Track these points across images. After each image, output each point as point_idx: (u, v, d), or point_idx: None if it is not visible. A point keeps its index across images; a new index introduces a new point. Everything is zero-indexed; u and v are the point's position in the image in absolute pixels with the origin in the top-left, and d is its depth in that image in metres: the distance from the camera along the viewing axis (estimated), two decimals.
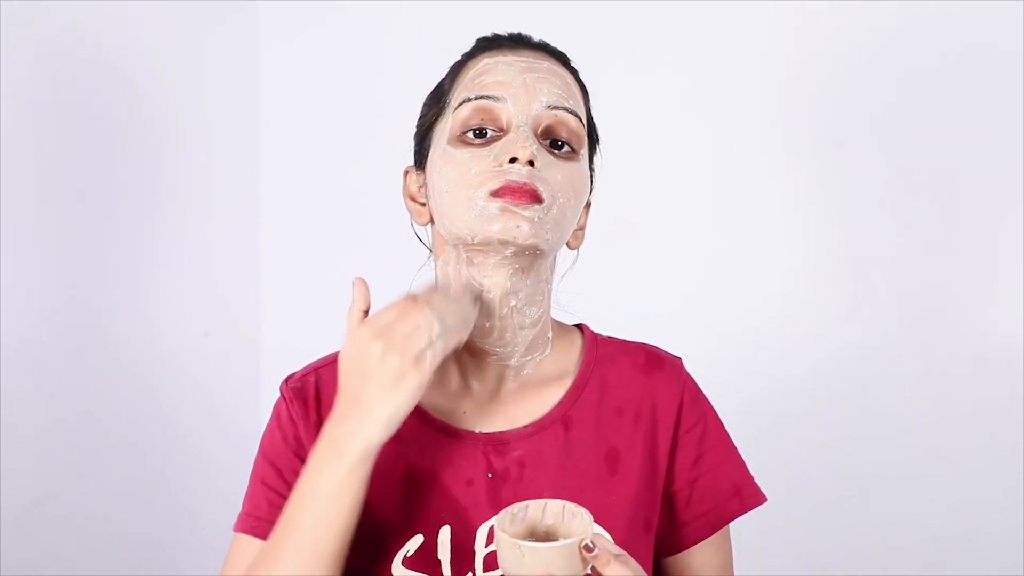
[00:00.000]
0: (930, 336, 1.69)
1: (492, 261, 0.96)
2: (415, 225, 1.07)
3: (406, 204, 1.07)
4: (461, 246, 0.97)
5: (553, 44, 1.06)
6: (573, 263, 1.09)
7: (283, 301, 2.07)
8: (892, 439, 1.70)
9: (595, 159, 1.08)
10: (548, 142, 0.99)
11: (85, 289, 1.75)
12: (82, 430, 1.73)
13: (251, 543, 0.98)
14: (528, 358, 1.03)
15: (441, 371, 0.94)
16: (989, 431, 1.64)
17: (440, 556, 0.96)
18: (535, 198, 0.94)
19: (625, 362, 1.06)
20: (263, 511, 0.99)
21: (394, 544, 0.97)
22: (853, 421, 1.72)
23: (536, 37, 1.05)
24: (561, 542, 0.82)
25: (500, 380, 1.03)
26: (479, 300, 0.97)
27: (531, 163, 0.94)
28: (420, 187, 1.05)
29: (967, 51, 1.66)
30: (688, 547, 1.05)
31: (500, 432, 1.01)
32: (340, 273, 2.01)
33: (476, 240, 0.95)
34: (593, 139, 1.07)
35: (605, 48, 1.74)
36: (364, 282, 0.95)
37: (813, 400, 1.73)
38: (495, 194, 0.94)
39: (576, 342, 1.08)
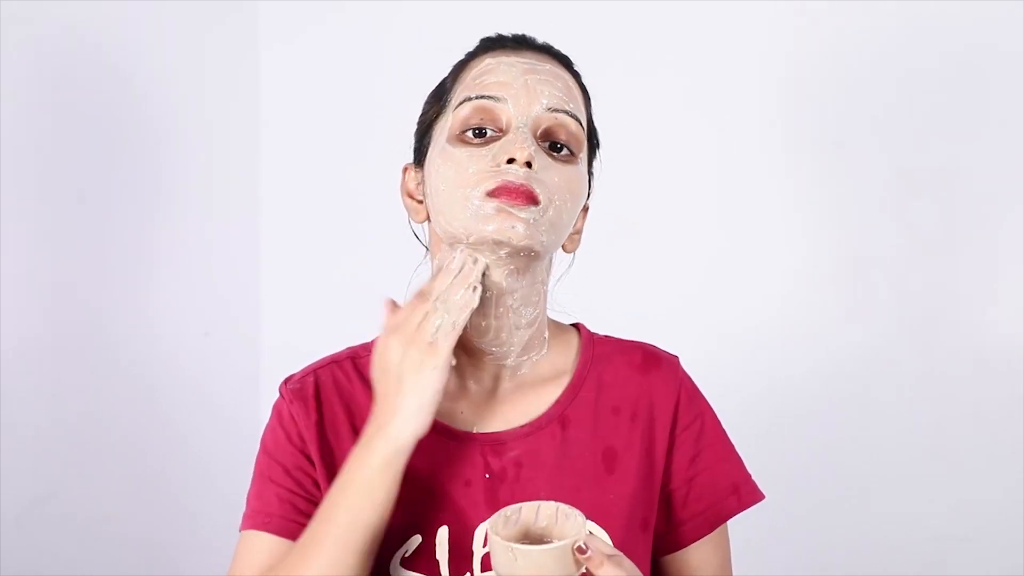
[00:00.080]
0: (930, 336, 1.68)
1: (487, 261, 0.96)
2: (412, 223, 1.07)
3: (403, 201, 1.07)
4: (456, 245, 0.97)
5: (556, 46, 1.06)
6: (569, 266, 1.09)
7: (283, 301, 2.07)
8: (892, 439, 1.70)
9: (595, 164, 1.08)
10: (547, 144, 0.99)
11: (85, 289, 1.75)
12: (82, 430, 1.73)
13: (263, 539, 0.98)
14: (524, 358, 1.03)
15: None
16: (989, 431, 1.64)
17: (438, 556, 0.96)
18: (531, 199, 0.94)
19: (621, 361, 1.06)
20: (274, 507, 0.99)
21: (392, 544, 0.97)
22: (853, 421, 1.72)
23: (539, 39, 1.05)
24: (554, 544, 0.82)
25: (497, 380, 1.03)
26: (480, 263, 0.96)
27: (529, 164, 0.95)
28: (418, 184, 1.05)
29: (967, 51, 1.66)
30: (686, 545, 1.05)
31: (497, 432, 1.01)
32: (340, 273, 2.04)
33: (471, 239, 0.95)
34: (593, 144, 1.07)
35: (605, 48, 1.74)
36: (392, 302, 0.99)
37: (813, 400, 1.73)
38: (491, 194, 0.94)
39: (572, 341, 1.08)
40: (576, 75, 1.05)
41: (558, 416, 1.02)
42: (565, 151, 0.99)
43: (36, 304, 1.68)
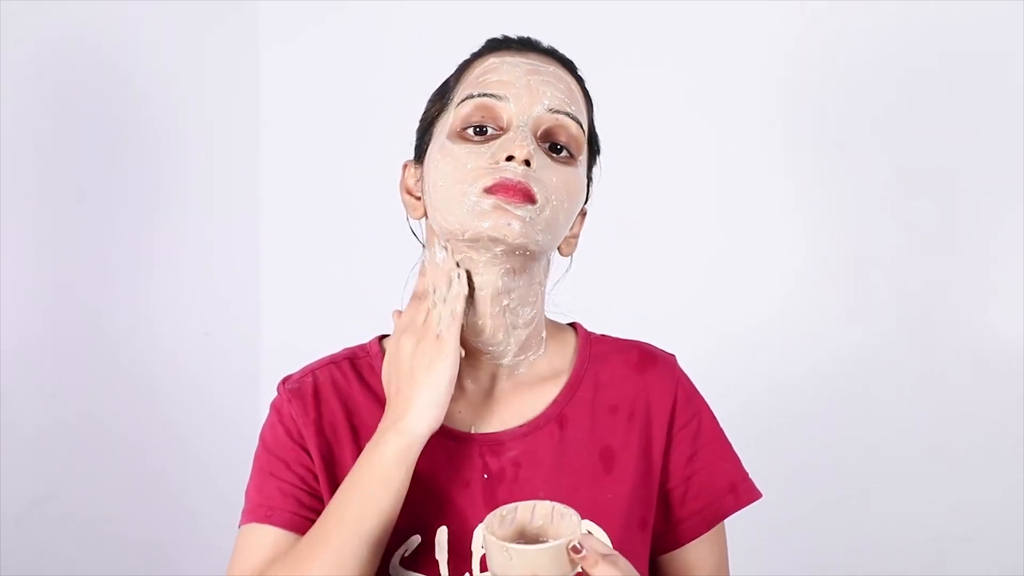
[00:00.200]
0: (930, 336, 1.68)
1: (483, 258, 0.97)
2: (409, 219, 1.08)
3: (402, 197, 1.07)
4: (452, 241, 0.98)
5: (559, 49, 1.06)
6: (567, 270, 1.09)
7: (283, 301, 2.07)
8: (892, 439, 1.70)
9: (594, 169, 1.08)
10: (547, 145, 0.99)
11: (85, 289, 1.75)
12: (82, 430, 1.73)
13: (265, 532, 0.98)
14: (522, 357, 1.03)
15: None
16: (989, 431, 1.64)
17: (437, 556, 0.97)
18: (528, 197, 0.94)
19: (619, 360, 1.06)
20: (276, 500, 0.99)
21: (392, 544, 0.97)
22: (853, 421, 1.72)
23: (544, 42, 1.05)
24: (548, 544, 0.82)
25: (494, 379, 1.03)
26: (450, 251, 0.99)
27: (527, 163, 0.95)
28: (417, 181, 1.05)
29: (967, 51, 1.66)
30: (684, 544, 1.05)
31: (495, 432, 1.01)
32: (340, 273, 2.03)
33: (466, 235, 0.95)
34: (594, 148, 1.07)
35: (605, 48, 1.74)
36: (400, 312, 1.03)
37: (813, 400, 1.73)
38: (489, 191, 0.94)
39: (570, 341, 1.08)
40: (580, 80, 1.06)
41: (556, 416, 1.02)
42: (565, 153, 0.99)
43: (36, 304, 1.68)
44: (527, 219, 0.94)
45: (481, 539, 0.96)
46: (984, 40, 1.64)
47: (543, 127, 0.98)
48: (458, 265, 0.98)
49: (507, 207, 0.93)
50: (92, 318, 1.76)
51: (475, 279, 0.98)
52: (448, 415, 1.00)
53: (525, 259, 0.97)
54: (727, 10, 1.76)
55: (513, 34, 1.05)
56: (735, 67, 1.78)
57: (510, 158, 0.95)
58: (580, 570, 0.83)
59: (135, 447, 1.81)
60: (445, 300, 0.97)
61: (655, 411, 1.03)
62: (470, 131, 0.98)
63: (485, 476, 0.99)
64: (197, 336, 1.94)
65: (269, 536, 0.97)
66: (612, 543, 0.96)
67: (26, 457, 1.65)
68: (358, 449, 0.98)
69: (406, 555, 0.97)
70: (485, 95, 0.98)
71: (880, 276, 1.72)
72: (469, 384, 1.03)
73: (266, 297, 2.08)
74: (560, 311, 1.09)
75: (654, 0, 1.79)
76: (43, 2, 1.65)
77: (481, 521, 0.96)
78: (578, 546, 0.82)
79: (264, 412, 1.06)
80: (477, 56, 1.05)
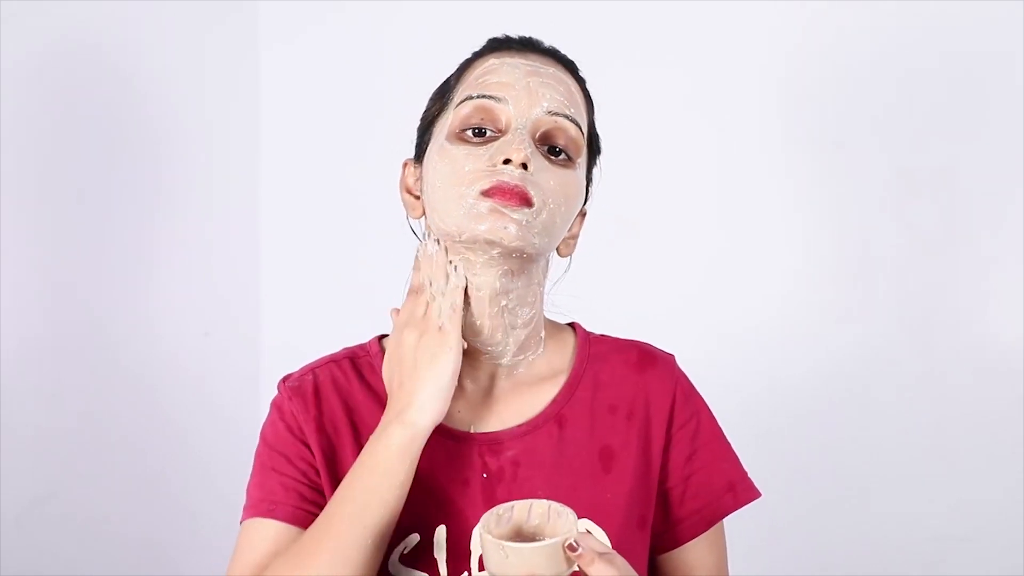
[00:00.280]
0: (930, 336, 1.69)
1: (480, 260, 0.97)
2: (409, 219, 1.08)
3: (401, 196, 1.08)
4: (449, 242, 0.98)
5: (561, 50, 1.06)
6: (566, 270, 1.09)
7: (283, 301, 2.07)
8: (892, 439, 1.70)
9: (594, 170, 1.08)
10: (546, 148, 0.99)
11: (85, 289, 1.75)
12: (82, 430, 1.73)
13: (268, 526, 0.98)
14: (520, 357, 1.03)
15: None
16: (989, 431, 1.64)
17: (436, 555, 0.97)
18: (525, 201, 0.94)
19: (618, 360, 1.06)
20: (278, 495, 0.99)
21: (392, 542, 0.96)
22: (853, 421, 1.72)
23: (545, 42, 1.05)
24: (544, 542, 0.82)
25: (493, 379, 1.03)
26: (442, 245, 1.00)
27: (524, 166, 0.95)
28: (416, 180, 1.05)
29: (967, 51, 1.66)
30: (683, 543, 1.05)
31: (494, 432, 1.01)
32: (340, 273, 2.03)
33: (463, 238, 0.95)
34: (593, 150, 1.07)
35: (605, 48, 1.74)
36: (398, 311, 1.03)
37: (813, 400, 1.73)
38: (486, 193, 0.94)
39: (569, 341, 1.08)
40: (581, 81, 1.06)
41: (555, 415, 1.02)
42: (563, 155, 1.00)
43: (36, 304, 1.68)
44: (523, 222, 0.94)
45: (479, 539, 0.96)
46: (984, 40, 1.64)
47: (541, 129, 0.98)
48: (450, 263, 0.99)
49: (503, 210, 0.93)
50: (92, 318, 1.76)
51: (473, 279, 0.98)
52: (448, 414, 1.00)
53: (522, 261, 0.97)
54: (727, 10, 1.77)
55: (514, 34, 1.05)
56: (735, 67, 1.78)
57: (507, 161, 0.95)
58: (576, 569, 0.83)
59: (135, 447, 1.82)
60: (444, 293, 0.98)
61: (654, 411, 1.03)
62: (469, 132, 0.98)
63: (484, 475, 0.99)
64: (197, 336, 1.94)
65: (271, 530, 0.97)
66: (611, 542, 0.97)
67: (26, 457, 1.65)
68: (359, 447, 0.98)
69: (405, 552, 0.97)
70: (484, 97, 0.98)
71: (880, 276, 1.72)
72: (468, 384, 1.03)
73: (266, 297, 2.08)
74: (559, 311, 1.09)
75: (654, 0, 1.79)
76: (43, 2, 1.65)
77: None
78: (574, 544, 0.82)
79: (264, 412, 1.06)
80: (478, 56, 1.05)
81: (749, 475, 1.08)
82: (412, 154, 1.08)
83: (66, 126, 1.72)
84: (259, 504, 0.99)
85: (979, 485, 1.65)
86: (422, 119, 1.07)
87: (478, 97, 0.99)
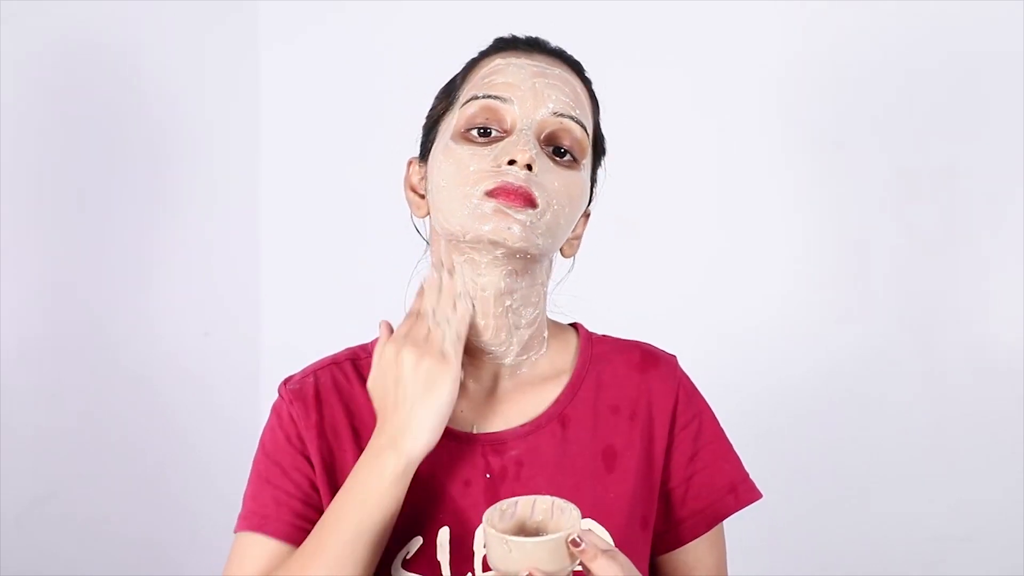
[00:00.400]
0: (930, 336, 1.69)
1: (485, 260, 0.97)
2: (413, 217, 1.08)
3: (406, 195, 1.08)
4: (453, 242, 0.98)
5: (569, 52, 1.06)
6: (569, 271, 1.09)
7: (283, 301, 2.07)
8: (892, 439, 1.70)
9: (598, 171, 1.08)
10: (550, 149, 0.99)
11: (85, 289, 1.75)
12: (82, 430, 1.73)
13: (258, 542, 0.98)
14: (524, 357, 1.03)
15: None
16: (989, 431, 1.64)
17: (439, 557, 0.96)
18: (529, 202, 0.94)
19: (620, 360, 1.06)
20: (270, 509, 0.99)
21: (394, 547, 0.96)
22: (853, 421, 1.72)
23: (552, 42, 1.05)
24: (547, 537, 0.82)
25: (496, 379, 1.03)
26: (457, 274, 0.99)
27: (529, 167, 0.95)
28: (421, 179, 1.06)
29: (967, 51, 1.66)
30: (684, 544, 1.05)
31: (497, 432, 1.01)
32: (340, 273, 2.03)
33: (467, 237, 0.95)
34: (598, 151, 1.07)
35: (605, 48, 1.73)
36: (388, 323, 1.01)
37: (813, 400, 1.73)
38: (490, 194, 0.94)
39: (571, 341, 1.08)
40: (587, 82, 1.06)
41: (558, 415, 1.02)
42: (568, 156, 1.00)
43: (36, 304, 1.68)
44: (528, 223, 0.94)
45: (483, 538, 0.96)
46: (984, 40, 1.64)
47: (547, 130, 0.99)
48: (451, 274, 0.99)
49: (508, 211, 0.93)
50: (92, 318, 1.76)
51: (478, 279, 0.98)
52: (451, 415, 1.00)
53: (526, 261, 0.97)
54: (727, 10, 1.77)
55: (521, 34, 1.05)
56: (735, 67, 1.78)
57: (512, 162, 0.95)
58: (579, 565, 0.83)
59: (135, 447, 1.82)
60: (450, 321, 0.96)
61: (657, 411, 1.03)
62: (474, 132, 0.98)
63: (487, 476, 0.99)
64: (197, 336, 1.94)
65: (262, 547, 0.97)
66: (614, 542, 0.96)
67: (26, 457, 1.65)
68: (359, 450, 0.97)
69: (408, 557, 0.97)
70: (490, 97, 0.99)
71: (880, 276, 1.72)
72: (471, 384, 1.02)
73: (266, 297, 2.08)
74: (560, 311, 1.09)
75: (654, 0, 1.79)
76: (43, 2, 1.65)
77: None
78: (577, 539, 0.82)
79: (264, 412, 1.05)
80: (484, 55, 1.05)
81: (751, 476, 1.08)
82: (413, 153, 1.08)
83: (66, 126, 1.72)
84: (251, 517, 0.99)
85: (979, 485, 1.65)
86: (427, 117, 1.07)
87: (484, 97, 0.99)
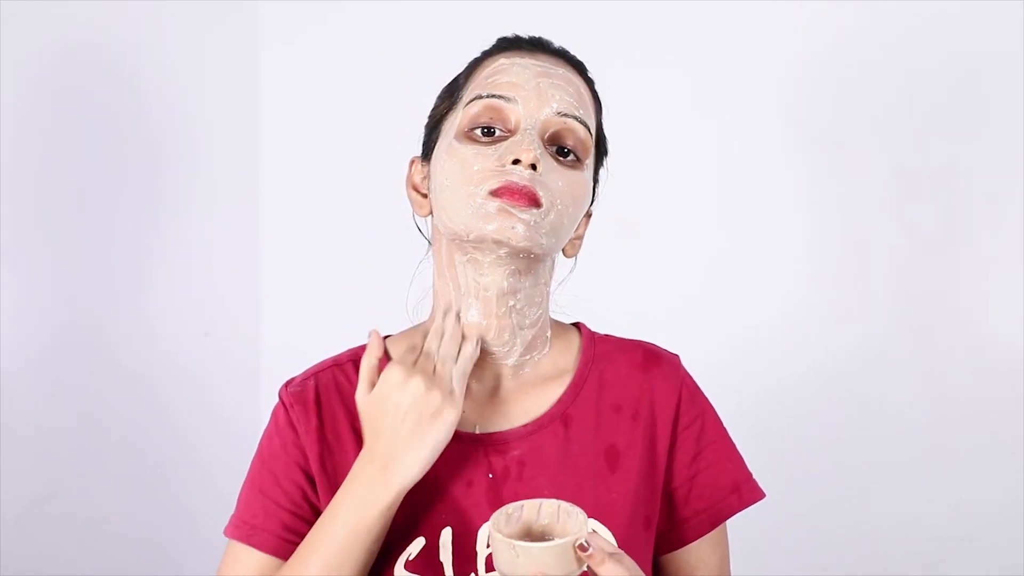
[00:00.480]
0: (930, 336, 1.69)
1: (488, 259, 0.97)
2: (415, 217, 1.07)
3: (408, 194, 1.07)
4: (456, 241, 0.98)
5: (571, 52, 1.06)
6: (571, 271, 1.09)
7: (283, 301, 2.07)
8: (892, 439, 1.70)
9: (601, 171, 1.08)
10: (554, 148, 0.99)
11: (85, 289, 1.75)
12: (82, 430, 1.73)
13: (247, 553, 0.99)
14: (527, 357, 1.03)
15: None
16: (989, 431, 1.64)
17: (442, 558, 0.96)
18: (533, 201, 0.94)
19: (623, 360, 1.06)
20: (259, 519, 0.99)
21: (396, 548, 0.97)
22: (853, 421, 1.72)
23: (556, 42, 1.05)
24: (555, 542, 0.82)
25: (499, 379, 1.03)
26: (452, 312, 0.99)
27: (533, 167, 0.95)
28: (424, 178, 1.05)
29: (967, 51, 1.66)
30: (687, 544, 1.05)
31: (500, 432, 1.01)
32: (340, 273, 2.03)
33: (471, 237, 0.95)
34: (601, 151, 1.07)
35: (605, 48, 1.73)
36: (378, 333, 0.99)
37: (813, 400, 1.73)
38: (494, 193, 0.94)
39: (574, 340, 1.08)
40: (590, 82, 1.06)
41: (560, 415, 1.02)
42: (571, 156, 1.00)
43: (36, 304, 1.68)
44: (531, 223, 0.94)
45: (486, 539, 0.96)
46: (984, 40, 1.64)
47: (551, 130, 0.99)
48: (457, 318, 0.99)
49: (512, 210, 0.94)
50: (92, 318, 1.76)
51: (481, 279, 0.98)
52: None
53: (529, 261, 0.98)
54: (727, 10, 1.77)
55: (524, 33, 1.05)
56: (735, 67, 1.78)
57: (516, 161, 0.95)
58: (586, 568, 0.83)
59: (135, 447, 1.81)
60: (456, 360, 0.96)
61: (659, 410, 1.03)
62: (478, 132, 0.99)
63: (490, 476, 0.99)
64: (197, 336, 1.94)
65: (250, 558, 0.98)
66: (617, 542, 0.96)
67: (26, 457, 1.65)
68: (359, 451, 0.97)
69: (410, 558, 0.97)
70: (494, 96, 0.99)
71: (880, 276, 1.72)
72: (474, 384, 1.02)
73: (266, 297, 2.08)
74: (562, 311, 1.09)
75: (654, 0, 1.79)
76: (43, 2, 1.65)
77: (486, 521, 0.96)
78: (585, 544, 0.82)
79: (264, 412, 1.05)
80: (487, 55, 1.05)
81: (754, 476, 1.08)
82: (413, 153, 1.08)
83: (66, 126, 1.72)
84: (241, 526, 1.00)
85: (979, 485, 1.65)
86: (430, 117, 1.07)
87: (488, 96, 0.99)
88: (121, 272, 1.81)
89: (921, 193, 1.69)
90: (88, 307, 1.75)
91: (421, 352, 0.97)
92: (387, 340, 1.06)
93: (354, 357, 1.06)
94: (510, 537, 0.83)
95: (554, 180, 0.96)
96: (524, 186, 0.94)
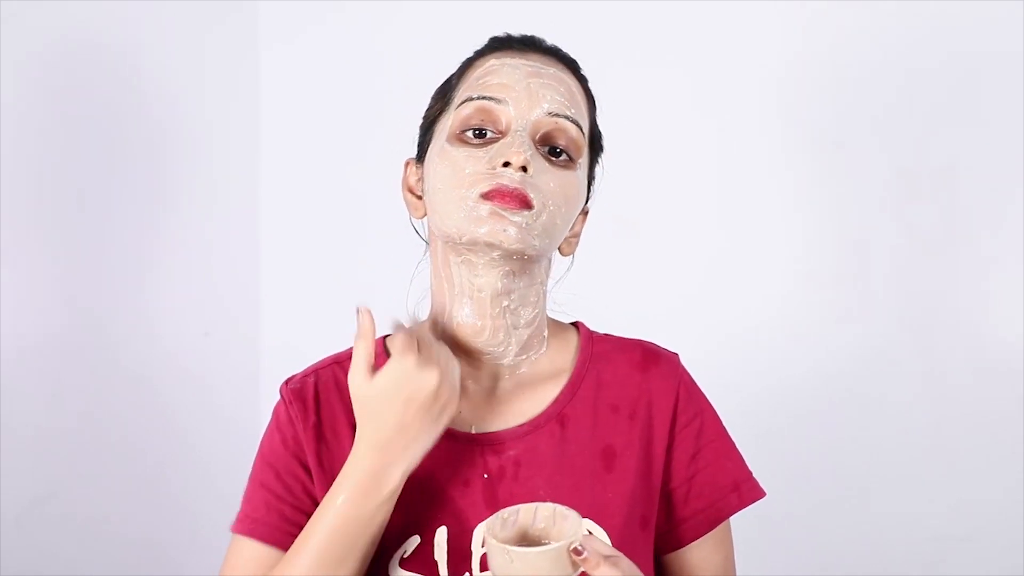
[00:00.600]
0: (930, 336, 1.68)
1: (482, 261, 0.97)
2: (412, 218, 1.08)
3: (404, 196, 1.08)
4: (450, 243, 0.98)
5: (564, 50, 1.06)
6: (568, 269, 1.09)
7: (283, 301, 2.07)
8: (892, 439, 1.70)
9: (596, 168, 1.08)
10: (546, 149, 0.99)
11: (85, 289, 1.75)
12: (82, 430, 1.73)
13: (249, 546, 0.99)
14: (523, 357, 1.03)
15: None
16: (989, 431, 1.64)
17: (437, 557, 0.97)
18: (525, 204, 0.94)
19: (621, 359, 1.06)
20: (260, 513, 1.00)
21: (392, 546, 0.97)
22: (853, 421, 1.72)
23: (548, 41, 1.05)
24: (549, 546, 0.82)
25: (495, 379, 1.03)
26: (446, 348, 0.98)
27: (524, 169, 0.95)
28: (418, 180, 1.06)
29: (967, 51, 1.65)
30: (687, 543, 1.05)
31: (496, 432, 1.01)
32: (340, 273, 2.03)
33: (464, 240, 0.96)
34: (595, 149, 1.07)
35: (605, 48, 1.73)
36: (370, 312, 0.95)
37: (813, 400, 1.72)
38: (485, 196, 0.94)
39: (572, 340, 1.08)
40: (583, 80, 1.06)
41: (557, 415, 1.02)
42: (564, 156, 1.00)
43: (36, 304, 1.68)
44: (523, 225, 0.94)
45: (481, 539, 0.96)
46: (984, 40, 1.64)
47: (542, 131, 0.99)
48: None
49: (503, 213, 0.94)
50: (92, 318, 1.76)
51: (475, 280, 0.98)
52: None
53: (524, 262, 0.98)
54: (727, 10, 1.76)
55: (516, 33, 1.05)
56: (735, 67, 1.78)
57: (507, 164, 0.95)
58: (582, 572, 0.83)
59: (135, 447, 1.82)
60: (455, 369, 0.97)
61: (657, 410, 1.03)
62: (469, 134, 0.99)
63: (485, 476, 0.99)
64: (197, 336, 1.94)
65: (251, 550, 0.99)
66: (612, 542, 0.96)
67: (26, 457, 1.65)
68: None
69: (405, 556, 0.97)
70: (484, 98, 0.99)
71: (880, 276, 1.72)
72: (470, 384, 1.02)
73: (266, 297, 2.08)
74: (561, 310, 1.09)
75: (654, 0, 1.79)
76: (43, 2, 1.65)
77: (481, 521, 0.96)
78: (579, 548, 0.82)
79: (264, 412, 1.06)
80: (479, 55, 1.05)
81: (754, 474, 1.08)
82: (413, 154, 1.08)
83: (66, 126, 1.72)
84: (245, 520, 1.00)
85: (979, 485, 1.64)
86: (424, 118, 1.07)
87: (478, 98, 0.99)
88: (121, 272, 1.81)
89: (921, 193, 1.69)
90: (88, 307, 1.75)
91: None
92: (385, 340, 1.07)
93: None
94: (505, 542, 0.83)
95: (545, 181, 0.96)
96: (515, 189, 0.94)
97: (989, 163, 1.65)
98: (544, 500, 0.92)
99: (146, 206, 1.85)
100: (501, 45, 1.04)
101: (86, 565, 1.70)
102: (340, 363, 1.06)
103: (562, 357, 1.06)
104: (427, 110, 1.07)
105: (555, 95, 0.99)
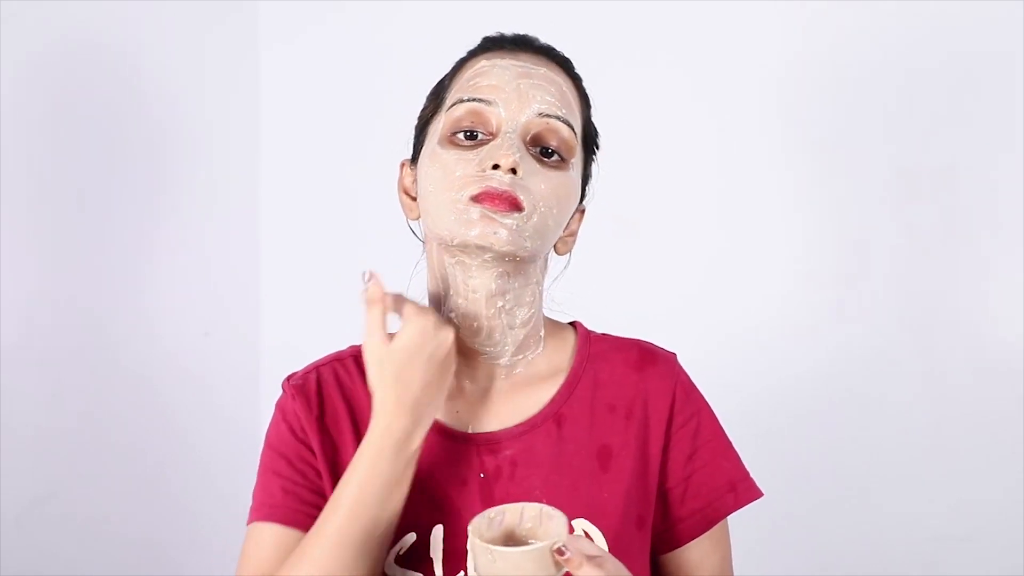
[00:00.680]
0: (930, 336, 1.68)
1: (475, 263, 0.97)
2: (408, 219, 1.08)
3: (399, 197, 1.08)
4: (444, 245, 0.98)
5: (557, 48, 1.06)
6: (565, 267, 1.09)
7: (283, 301, 2.07)
8: (892, 439, 1.69)
9: (592, 165, 1.08)
10: (537, 149, 0.99)
11: (85, 289, 1.75)
12: (82, 430, 1.73)
13: (269, 530, 0.98)
14: (519, 357, 1.03)
15: None
16: (989, 431, 1.64)
17: (432, 555, 0.97)
18: (515, 206, 0.94)
19: (618, 359, 1.06)
20: (278, 499, 0.99)
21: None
22: (853, 421, 1.72)
23: (541, 40, 1.05)
24: (532, 546, 0.82)
25: (491, 379, 1.03)
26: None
27: (514, 171, 0.95)
28: (413, 181, 1.06)
29: (967, 51, 1.65)
30: (684, 543, 1.04)
31: (492, 432, 1.01)
32: (340, 273, 2.02)
33: (455, 242, 0.96)
34: (590, 147, 1.07)
35: (605, 47, 1.74)
36: (377, 277, 0.96)
37: (813, 400, 1.72)
38: (475, 199, 0.94)
39: (569, 339, 1.08)
40: (575, 79, 1.05)
41: (553, 414, 1.02)
42: (555, 157, 0.99)
43: (36, 304, 1.68)
44: (514, 227, 0.94)
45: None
46: (984, 40, 1.64)
47: (532, 132, 0.98)
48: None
49: (493, 216, 0.94)
50: (92, 318, 1.76)
51: (469, 281, 0.98)
52: (446, 414, 1.00)
53: (517, 263, 0.98)
54: (727, 10, 1.76)
55: (508, 32, 1.05)
56: (735, 67, 1.78)
57: (497, 166, 0.95)
58: (566, 571, 0.83)
59: (135, 447, 1.82)
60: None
61: (653, 409, 1.03)
62: (460, 136, 0.99)
63: (482, 475, 0.99)
64: (197, 336, 1.94)
65: (272, 533, 0.98)
66: (608, 542, 0.96)
67: (26, 457, 1.65)
68: (359, 444, 0.98)
69: (400, 553, 0.97)
70: (474, 100, 0.99)
71: (880, 276, 1.72)
72: (467, 384, 1.03)
73: (266, 297, 2.08)
74: (559, 310, 1.09)
75: (654, 0, 1.79)
76: (43, 2, 1.65)
77: None
78: (563, 548, 0.82)
79: (264, 412, 1.06)
80: (471, 55, 1.05)
81: (751, 474, 1.08)
82: (410, 154, 1.08)
83: (66, 126, 1.72)
84: (260, 508, 1.00)
85: (979, 485, 1.64)
86: (418, 119, 1.07)
87: (468, 100, 0.99)
88: (121, 272, 1.81)
89: (921, 193, 1.69)
90: (88, 307, 1.75)
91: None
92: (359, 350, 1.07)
93: (355, 353, 1.06)
94: (491, 541, 0.83)
95: (536, 183, 0.96)
96: (504, 191, 0.94)
97: (989, 163, 1.64)
98: (540, 500, 0.91)
99: (146, 206, 1.85)
100: (493, 45, 1.04)
101: (86, 565, 1.70)
102: (340, 360, 1.06)
103: (559, 357, 1.06)
104: (421, 111, 1.07)
105: (545, 96, 0.99)
